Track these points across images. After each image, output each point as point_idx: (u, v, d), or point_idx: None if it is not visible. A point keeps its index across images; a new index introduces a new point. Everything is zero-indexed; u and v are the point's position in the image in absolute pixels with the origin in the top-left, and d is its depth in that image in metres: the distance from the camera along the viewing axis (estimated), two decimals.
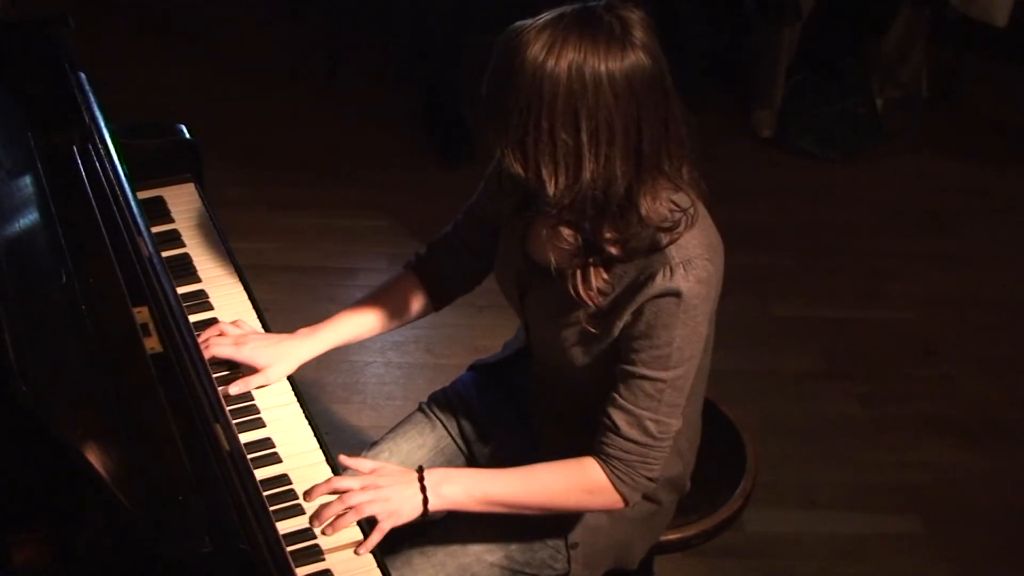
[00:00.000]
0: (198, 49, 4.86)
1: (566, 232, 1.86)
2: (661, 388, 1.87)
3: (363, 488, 1.90)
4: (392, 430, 2.29)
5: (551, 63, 1.71)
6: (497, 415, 2.27)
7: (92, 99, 2.32)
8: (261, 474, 1.92)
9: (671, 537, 2.28)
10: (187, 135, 2.57)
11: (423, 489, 1.90)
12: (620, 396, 1.89)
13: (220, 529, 1.51)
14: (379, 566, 1.86)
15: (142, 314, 1.84)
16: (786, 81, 4.53)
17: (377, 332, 2.24)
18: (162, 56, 4.78)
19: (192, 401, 1.71)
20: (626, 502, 1.96)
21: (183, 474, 1.55)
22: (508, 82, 1.74)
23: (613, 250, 1.85)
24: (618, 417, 1.89)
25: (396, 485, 1.91)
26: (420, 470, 1.92)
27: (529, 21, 1.76)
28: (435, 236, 2.27)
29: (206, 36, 4.95)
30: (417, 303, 2.24)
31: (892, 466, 3.30)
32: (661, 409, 1.89)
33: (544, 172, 1.75)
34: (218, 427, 1.68)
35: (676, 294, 1.83)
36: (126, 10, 5.04)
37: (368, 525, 1.90)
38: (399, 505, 1.89)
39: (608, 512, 2.10)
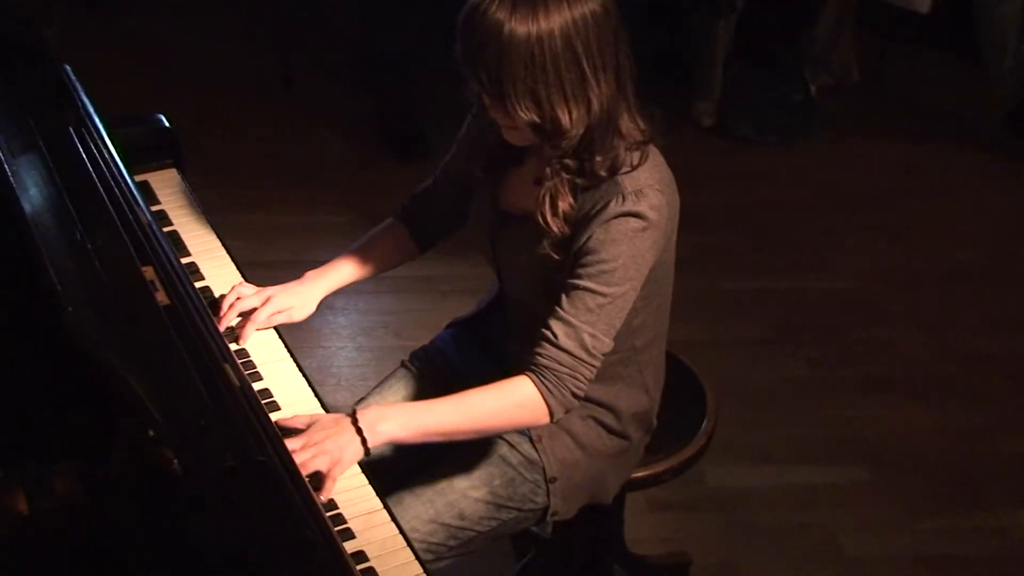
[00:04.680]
0: (154, 57, 5.01)
1: (570, 162, 2.03)
2: (602, 303, 2.02)
3: (303, 447, 1.97)
4: (378, 384, 2.45)
5: (542, 25, 1.90)
6: (474, 366, 2.42)
7: (80, 88, 2.47)
8: None
9: (642, 474, 2.44)
10: (166, 124, 2.72)
11: (359, 431, 1.99)
12: (561, 308, 2.03)
13: (239, 447, 1.65)
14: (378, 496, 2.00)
15: (148, 272, 1.99)
16: (724, 72, 4.74)
17: (372, 274, 2.42)
18: (118, 65, 4.91)
19: (202, 345, 1.85)
20: (552, 416, 2.05)
21: (202, 404, 1.70)
22: (503, 55, 1.91)
23: (602, 172, 2.03)
24: (557, 327, 2.03)
25: (332, 436, 1.98)
26: (353, 412, 2.02)
27: None
28: (418, 188, 2.45)
29: (161, 45, 5.10)
30: (405, 247, 2.44)
31: (840, 422, 3.48)
32: (599, 325, 2.03)
33: (559, 111, 1.95)
34: (227, 367, 1.83)
35: (626, 215, 2.01)
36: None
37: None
38: (339, 453, 1.97)
39: (582, 448, 2.27)
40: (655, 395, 2.35)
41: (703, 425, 2.54)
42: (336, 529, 1.89)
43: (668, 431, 2.48)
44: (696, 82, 4.78)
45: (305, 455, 1.96)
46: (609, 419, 2.28)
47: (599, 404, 2.27)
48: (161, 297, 1.93)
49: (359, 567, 1.85)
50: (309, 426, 2.04)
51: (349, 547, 1.88)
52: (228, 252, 2.48)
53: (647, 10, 4.89)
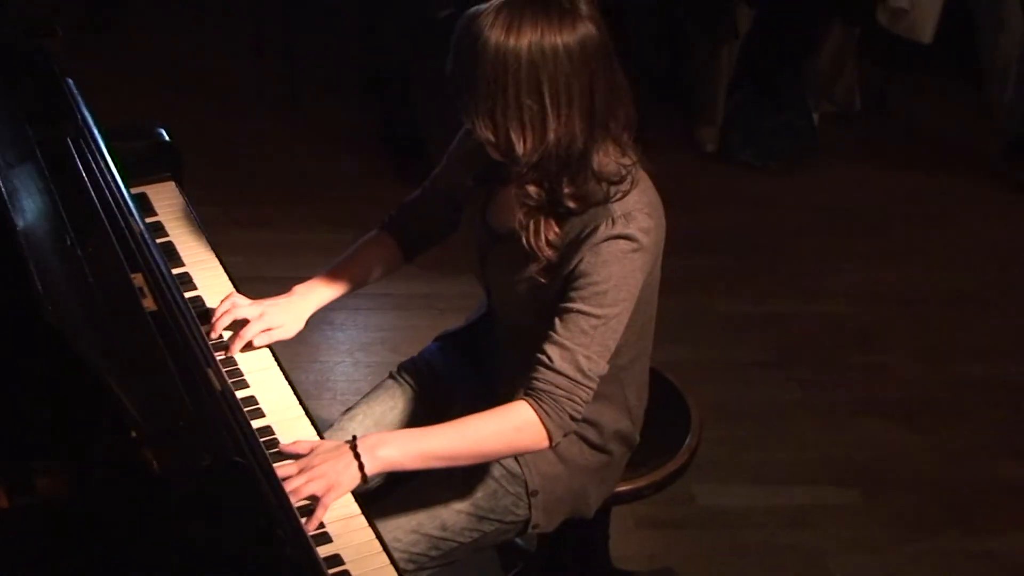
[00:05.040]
0: (164, 73, 5.09)
1: (532, 189, 2.06)
2: (595, 324, 2.05)
3: (300, 472, 2.00)
4: (366, 395, 2.48)
5: (512, 41, 1.94)
6: (460, 378, 2.46)
7: (80, 101, 2.52)
8: None
9: (625, 488, 2.47)
10: (166, 137, 2.78)
11: (357, 456, 2.02)
12: (556, 332, 2.06)
13: (217, 448, 1.69)
14: (365, 516, 2.02)
15: (137, 279, 2.03)
16: (727, 98, 4.79)
17: (360, 286, 2.45)
18: (128, 80, 4.98)
19: (186, 350, 1.90)
20: (551, 439, 2.08)
21: (182, 406, 1.74)
22: (474, 62, 1.96)
23: (571, 204, 2.06)
24: (552, 351, 2.06)
25: (329, 461, 2.00)
26: (353, 439, 2.05)
27: (484, 6, 1.99)
28: (406, 199, 2.49)
29: (171, 61, 5.18)
30: (392, 257, 2.47)
31: (831, 444, 3.51)
32: (593, 346, 2.06)
33: (513, 136, 1.98)
34: (210, 371, 1.88)
35: (615, 237, 2.04)
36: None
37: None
38: (335, 478, 1.99)
39: (564, 462, 2.30)
40: (637, 413, 2.39)
41: (686, 441, 2.57)
42: (315, 533, 1.94)
43: (652, 447, 2.51)
44: (699, 107, 4.84)
45: (300, 480, 1.98)
46: (591, 434, 2.31)
47: (582, 420, 2.30)
48: (149, 303, 1.98)
49: (335, 570, 1.89)
50: (309, 451, 2.07)
51: (326, 550, 1.91)
52: (222, 264, 2.52)
53: (652, 36, 4.94)
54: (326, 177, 4.57)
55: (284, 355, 3.30)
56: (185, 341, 1.92)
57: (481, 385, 2.43)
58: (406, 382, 2.49)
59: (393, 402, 2.45)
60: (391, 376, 2.51)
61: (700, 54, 4.78)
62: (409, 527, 2.23)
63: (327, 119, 4.89)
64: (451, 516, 2.26)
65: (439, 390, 2.47)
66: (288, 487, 1.95)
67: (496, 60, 1.93)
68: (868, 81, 5.02)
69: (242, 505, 1.59)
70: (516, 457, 2.28)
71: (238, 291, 2.45)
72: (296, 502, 1.95)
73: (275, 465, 1.95)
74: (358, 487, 2.28)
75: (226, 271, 2.51)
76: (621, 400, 2.32)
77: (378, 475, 2.11)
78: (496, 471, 2.28)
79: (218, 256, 2.55)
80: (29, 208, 1.90)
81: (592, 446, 2.33)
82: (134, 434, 1.58)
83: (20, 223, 1.67)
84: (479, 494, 2.28)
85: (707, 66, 4.75)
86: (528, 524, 2.32)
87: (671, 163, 4.71)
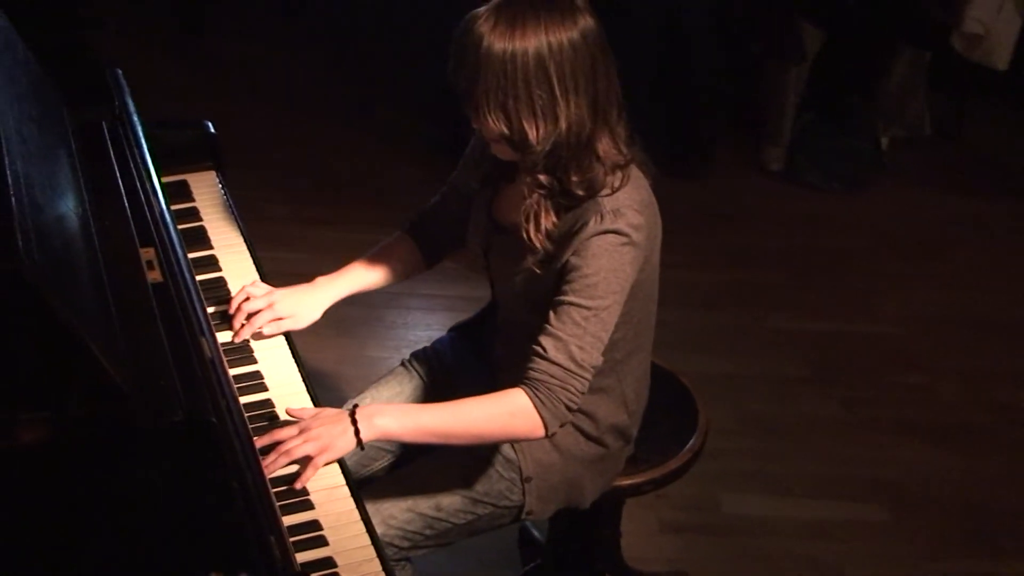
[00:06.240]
0: (245, 79, 5.28)
1: (543, 178, 2.14)
2: (587, 316, 2.12)
3: (299, 433, 2.11)
4: (376, 381, 2.58)
5: (518, 43, 2.03)
6: (468, 369, 2.54)
7: (125, 89, 2.66)
8: (248, 399, 2.21)
9: (624, 483, 2.52)
10: (211, 129, 2.90)
11: (354, 422, 2.11)
12: (550, 324, 2.14)
13: (195, 409, 1.80)
14: (348, 487, 2.11)
15: (148, 253, 2.15)
16: (795, 119, 4.81)
17: (380, 285, 2.55)
18: (211, 83, 5.18)
19: (184, 318, 2.01)
20: (546, 428, 2.14)
21: (166, 367, 1.84)
22: (478, 64, 2.05)
23: (580, 191, 2.13)
24: (547, 342, 2.13)
25: (326, 424, 2.10)
26: (353, 407, 2.14)
27: (482, 9, 2.08)
28: (426, 204, 2.58)
29: (254, 68, 5.38)
30: (414, 260, 2.56)
31: (865, 462, 3.52)
32: (586, 337, 2.13)
33: (526, 126, 2.07)
34: (203, 340, 1.98)
35: (605, 232, 2.11)
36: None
37: None
38: (329, 441, 2.09)
39: (558, 450, 2.37)
40: (635, 408, 2.44)
41: (690, 442, 2.61)
42: (297, 500, 2.04)
43: (656, 445, 2.57)
44: (766, 128, 4.87)
45: (297, 440, 2.09)
46: (587, 425, 2.38)
47: (578, 410, 2.37)
48: (154, 275, 2.09)
49: (312, 534, 1.98)
50: (313, 416, 2.16)
51: (307, 516, 2.02)
52: (249, 249, 2.63)
53: (723, 58, 4.99)
54: (392, 182, 4.70)
55: (330, 347, 3.46)
56: (183, 310, 2.03)
57: (486, 376, 2.51)
58: (415, 370, 2.57)
59: (400, 388, 2.54)
60: (402, 364, 2.60)
61: (768, 75, 4.82)
62: (405, 505, 2.31)
63: (396, 127, 5.03)
64: (446, 497, 2.34)
65: (446, 379, 2.55)
66: (285, 447, 2.07)
67: (502, 62, 2.02)
68: (941, 107, 5.01)
69: (205, 459, 1.69)
70: (512, 444, 2.35)
71: (260, 274, 2.56)
72: (289, 461, 2.06)
73: (276, 429, 2.09)
74: (361, 470, 2.40)
75: (252, 257, 2.61)
76: (618, 394, 2.38)
77: (373, 442, 2.18)
78: (492, 457, 2.36)
79: (247, 242, 2.66)
80: (48, 180, 2.02)
81: (587, 437, 2.39)
82: (106, 386, 1.67)
83: (25, 190, 1.79)
84: (475, 478, 2.36)
85: (775, 87, 4.79)
86: (522, 510, 2.39)
87: (735, 181, 4.78)
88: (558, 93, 2.06)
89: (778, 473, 3.47)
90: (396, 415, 2.15)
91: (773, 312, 4.09)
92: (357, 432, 2.11)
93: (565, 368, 2.12)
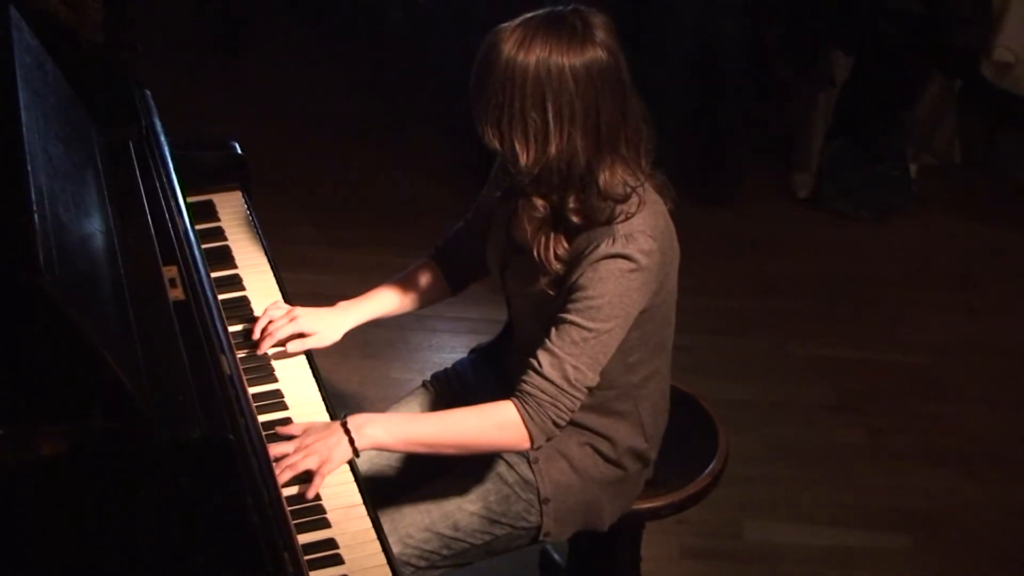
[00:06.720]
0: (278, 101, 5.33)
1: (538, 202, 2.16)
2: (586, 337, 2.13)
3: (296, 450, 2.15)
4: (398, 401, 2.59)
5: (521, 56, 2.05)
6: (486, 389, 2.54)
7: (153, 110, 2.69)
8: (267, 417, 2.23)
9: (643, 506, 2.52)
10: (238, 151, 2.93)
11: (347, 433, 2.16)
12: (549, 339, 2.15)
13: (213, 425, 1.81)
14: (365, 506, 2.13)
15: (171, 271, 2.18)
16: (823, 146, 4.81)
17: (403, 311, 2.58)
18: (245, 104, 5.23)
19: (204, 335, 2.03)
20: (532, 442, 2.16)
21: (185, 383, 1.87)
22: (487, 73, 2.08)
23: (575, 218, 2.14)
24: (543, 357, 2.15)
25: (322, 439, 2.15)
26: (344, 416, 2.19)
27: (508, 23, 2.10)
28: (451, 230, 2.59)
29: (288, 90, 5.43)
30: (438, 287, 2.59)
31: (890, 491, 3.50)
32: (582, 358, 2.14)
33: (517, 146, 2.08)
34: (223, 357, 2.00)
35: (614, 256, 2.12)
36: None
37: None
38: (327, 453, 2.14)
39: (577, 473, 2.37)
40: (652, 432, 2.44)
41: (710, 466, 2.61)
42: (315, 518, 2.05)
43: (675, 469, 2.57)
44: (795, 154, 4.86)
45: (296, 456, 2.14)
46: (605, 447, 2.38)
47: (596, 432, 2.37)
48: (176, 293, 2.12)
49: (329, 552, 1.99)
50: (303, 431, 2.20)
51: (324, 535, 2.03)
52: (273, 270, 2.65)
53: (753, 85, 4.99)
54: (423, 205, 4.71)
55: (354, 368, 3.47)
56: (204, 327, 2.05)
57: (504, 396, 2.51)
58: (435, 390, 2.58)
59: (419, 409, 2.56)
60: (423, 384, 2.62)
61: (797, 101, 4.81)
62: (423, 525, 2.32)
63: (428, 149, 5.06)
64: (464, 517, 2.35)
65: (465, 400, 2.55)
66: (286, 462, 2.11)
67: (505, 72, 2.05)
68: (971, 135, 4.99)
69: (221, 476, 1.70)
70: (530, 464, 2.36)
71: (284, 294, 2.58)
72: (289, 476, 2.10)
73: (271, 445, 2.08)
74: (372, 469, 2.40)
75: (276, 277, 2.63)
76: (635, 418, 2.38)
77: (369, 452, 2.22)
78: (510, 477, 2.36)
79: (271, 262, 2.68)
80: (73, 188, 2.05)
81: (606, 459, 2.39)
82: (125, 402, 1.69)
83: (49, 206, 1.81)
84: (492, 498, 2.36)
85: (804, 113, 4.78)
86: (540, 531, 2.39)
87: (764, 207, 4.77)
88: (551, 121, 2.06)
89: (802, 500, 3.45)
90: (385, 425, 2.20)
91: (800, 339, 4.07)
92: (352, 441, 2.16)
93: (557, 385, 2.14)
